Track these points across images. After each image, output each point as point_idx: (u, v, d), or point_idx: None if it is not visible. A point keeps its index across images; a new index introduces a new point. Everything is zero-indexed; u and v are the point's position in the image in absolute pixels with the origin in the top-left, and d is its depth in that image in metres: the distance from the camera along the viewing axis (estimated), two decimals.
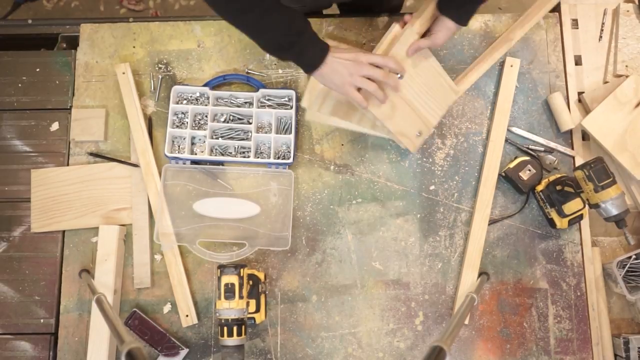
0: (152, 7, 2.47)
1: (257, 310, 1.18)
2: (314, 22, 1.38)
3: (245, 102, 1.32)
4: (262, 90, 1.31)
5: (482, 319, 1.25)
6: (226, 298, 1.08)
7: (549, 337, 1.24)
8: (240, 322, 1.09)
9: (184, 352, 1.22)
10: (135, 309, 1.23)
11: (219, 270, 1.11)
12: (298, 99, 1.32)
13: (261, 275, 1.21)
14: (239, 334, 1.08)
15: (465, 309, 1.04)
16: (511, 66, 1.33)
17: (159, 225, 1.24)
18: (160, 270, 1.27)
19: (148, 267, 1.26)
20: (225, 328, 1.08)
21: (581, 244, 1.27)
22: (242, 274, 1.11)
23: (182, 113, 1.32)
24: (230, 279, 1.09)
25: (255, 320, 1.18)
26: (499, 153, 1.29)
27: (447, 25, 1.09)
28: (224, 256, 1.25)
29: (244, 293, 1.11)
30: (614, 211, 1.07)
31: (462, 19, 1.09)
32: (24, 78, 1.36)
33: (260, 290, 1.19)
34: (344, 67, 1.03)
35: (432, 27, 1.12)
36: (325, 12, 1.47)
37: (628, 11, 1.37)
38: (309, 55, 1.03)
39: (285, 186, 1.28)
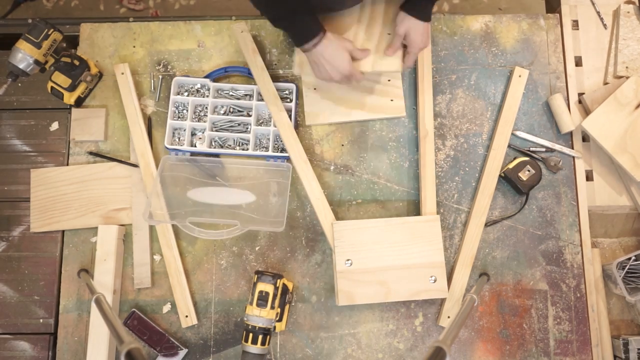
0: (152, 7, 2.46)
1: (280, 319, 1.17)
2: None
3: (246, 95, 1.32)
4: None
5: (482, 320, 1.25)
6: (258, 305, 1.08)
7: (549, 338, 1.24)
8: (266, 332, 1.09)
9: (183, 352, 1.22)
10: (134, 309, 1.23)
11: (255, 276, 1.11)
12: (298, 93, 1.32)
13: (290, 285, 1.21)
14: (263, 344, 1.08)
15: (465, 309, 1.03)
16: (519, 76, 1.33)
17: (152, 207, 1.23)
18: (160, 270, 1.26)
19: (148, 267, 1.26)
20: (250, 334, 1.08)
21: (581, 246, 1.27)
22: (277, 285, 1.11)
23: (183, 105, 1.32)
24: (266, 287, 1.09)
25: (275, 329, 1.16)
26: (500, 162, 1.29)
27: (413, 24, 1.16)
28: (214, 233, 1.21)
29: (276, 304, 1.11)
30: None
31: (425, 16, 1.16)
32: (24, 77, 1.36)
33: (286, 300, 1.19)
34: (323, 67, 1.15)
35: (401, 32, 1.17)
36: None
37: (628, 12, 1.37)
38: (304, 30, 1.12)
39: (283, 179, 1.28)
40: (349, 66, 1.15)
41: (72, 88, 1.29)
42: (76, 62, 1.28)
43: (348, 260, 1.17)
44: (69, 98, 1.30)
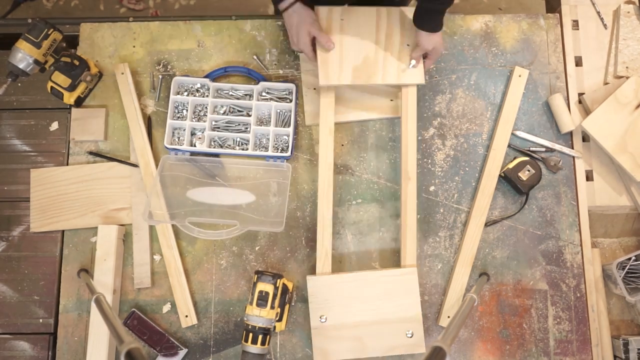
0: (152, 7, 2.47)
1: (280, 319, 1.17)
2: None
3: (246, 95, 1.32)
4: (262, 83, 1.31)
5: (482, 319, 1.25)
6: (258, 305, 1.08)
7: (549, 338, 1.24)
8: (266, 332, 1.09)
9: (182, 352, 1.22)
10: (134, 309, 1.23)
11: (255, 276, 1.11)
12: (298, 93, 1.32)
13: (290, 285, 1.20)
14: (263, 343, 1.08)
15: (465, 309, 1.03)
16: (519, 76, 1.33)
17: (151, 207, 1.23)
18: (160, 270, 1.26)
19: (148, 267, 1.26)
20: (250, 334, 1.08)
21: (581, 245, 1.27)
22: (277, 284, 1.11)
23: (182, 104, 1.32)
24: (266, 287, 1.09)
25: (275, 329, 1.16)
26: (500, 162, 1.29)
27: (424, 36, 1.20)
28: (213, 234, 1.21)
29: (276, 304, 1.11)
30: None
31: (434, 29, 1.19)
32: (24, 77, 1.36)
33: (286, 300, 1.19)
34: (289, 34, 1.21)
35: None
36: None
37: (629, 12, 1.37)
38: None
39: (283, 179, 1.28)
40: (307, 48, 1.20)
41: (72, 88, 1.29)
42: (76, 62, 1.28)
43: (322, 316, 1.16)
44: (69, 98, 1.30)
